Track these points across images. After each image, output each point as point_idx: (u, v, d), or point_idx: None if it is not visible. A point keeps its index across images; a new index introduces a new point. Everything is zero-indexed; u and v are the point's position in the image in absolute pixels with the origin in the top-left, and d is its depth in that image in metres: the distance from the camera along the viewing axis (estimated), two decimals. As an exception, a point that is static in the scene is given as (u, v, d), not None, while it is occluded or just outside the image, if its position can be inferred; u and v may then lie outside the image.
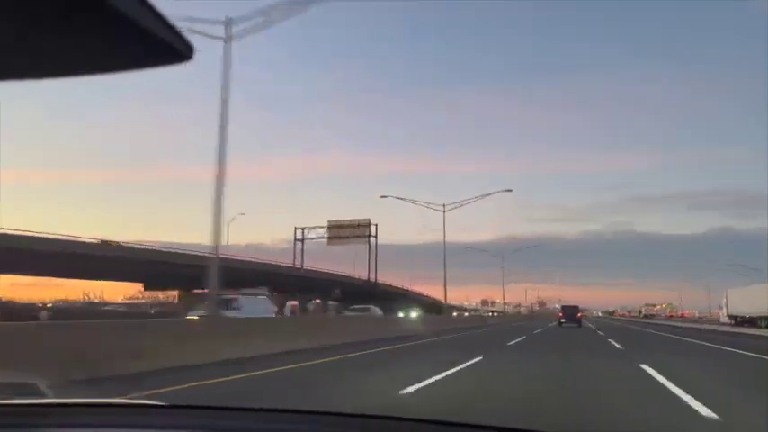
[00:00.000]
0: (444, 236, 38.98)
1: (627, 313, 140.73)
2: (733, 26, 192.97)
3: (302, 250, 64.97)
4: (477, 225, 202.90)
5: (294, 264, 61.34)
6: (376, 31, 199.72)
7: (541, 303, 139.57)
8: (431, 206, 39.02)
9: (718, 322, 55.36)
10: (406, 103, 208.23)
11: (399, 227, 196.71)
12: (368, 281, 63.72)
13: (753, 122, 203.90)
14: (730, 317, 51.69)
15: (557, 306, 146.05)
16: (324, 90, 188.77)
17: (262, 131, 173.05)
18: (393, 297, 65.02)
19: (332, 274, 60.67)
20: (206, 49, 15.31)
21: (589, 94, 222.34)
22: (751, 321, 45.83)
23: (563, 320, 42.11)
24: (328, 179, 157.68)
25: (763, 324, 43.04)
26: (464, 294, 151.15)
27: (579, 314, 43.47)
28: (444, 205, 38.38)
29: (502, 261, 68.26)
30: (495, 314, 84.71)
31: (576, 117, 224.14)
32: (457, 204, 38.90)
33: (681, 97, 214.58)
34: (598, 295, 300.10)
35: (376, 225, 63.38)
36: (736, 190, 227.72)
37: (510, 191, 41.94)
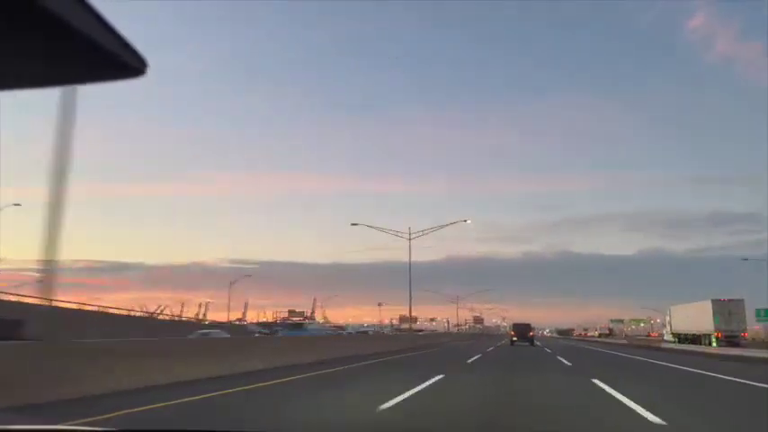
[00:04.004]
0: (410, 262, 40.84)
1: (584, 332, 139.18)
2: (664, 58, 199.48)
3: None
4: (420, 246, 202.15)
5: None
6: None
7: (478, 320, 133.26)
8: (399, 234, 41.32)
9: (663, 340, 54.09)
10: (338, 124, 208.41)
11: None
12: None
13: (679, 148, 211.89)
14: (674, 335, 50.36)
15: (495, 321, 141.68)
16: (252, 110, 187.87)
17: (193, 149, 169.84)
18: None
19: None
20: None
21: (528, 118, 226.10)
22: (694, 340, 44.44)
23: (515, 339, 41.16)
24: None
25: (705, 342, 41.68)
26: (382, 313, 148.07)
27: (531, 332, 42.66)
28: (410, 233, 40.82)
29: (456, 281, 67.73)
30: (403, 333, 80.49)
31: (513, 140, 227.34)
32: (420, 233, 41.43)
33: (612, 122, 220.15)
34: (545, 314, 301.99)
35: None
36: (665, 211, 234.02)
37: (467, 221, 43.73)
